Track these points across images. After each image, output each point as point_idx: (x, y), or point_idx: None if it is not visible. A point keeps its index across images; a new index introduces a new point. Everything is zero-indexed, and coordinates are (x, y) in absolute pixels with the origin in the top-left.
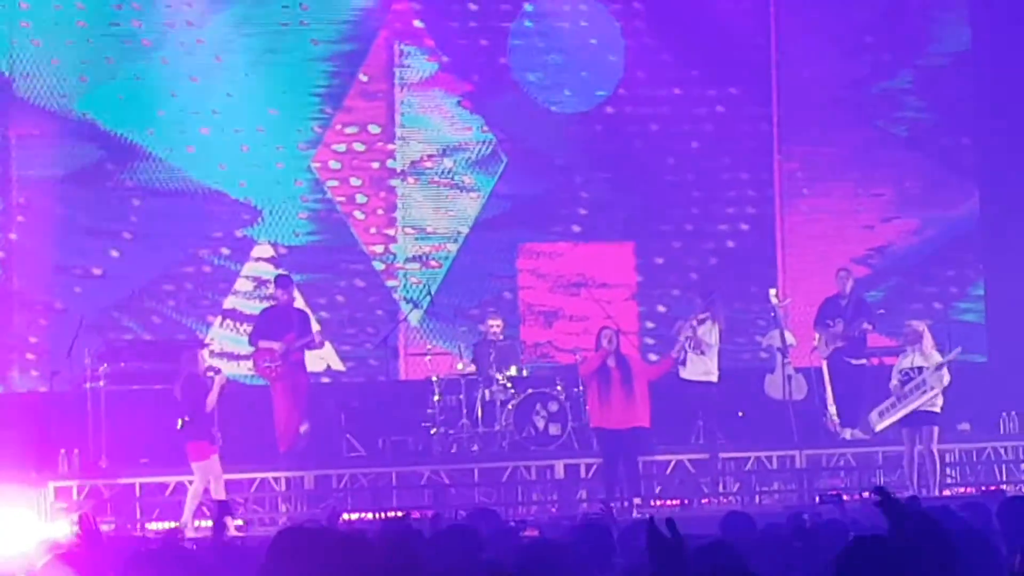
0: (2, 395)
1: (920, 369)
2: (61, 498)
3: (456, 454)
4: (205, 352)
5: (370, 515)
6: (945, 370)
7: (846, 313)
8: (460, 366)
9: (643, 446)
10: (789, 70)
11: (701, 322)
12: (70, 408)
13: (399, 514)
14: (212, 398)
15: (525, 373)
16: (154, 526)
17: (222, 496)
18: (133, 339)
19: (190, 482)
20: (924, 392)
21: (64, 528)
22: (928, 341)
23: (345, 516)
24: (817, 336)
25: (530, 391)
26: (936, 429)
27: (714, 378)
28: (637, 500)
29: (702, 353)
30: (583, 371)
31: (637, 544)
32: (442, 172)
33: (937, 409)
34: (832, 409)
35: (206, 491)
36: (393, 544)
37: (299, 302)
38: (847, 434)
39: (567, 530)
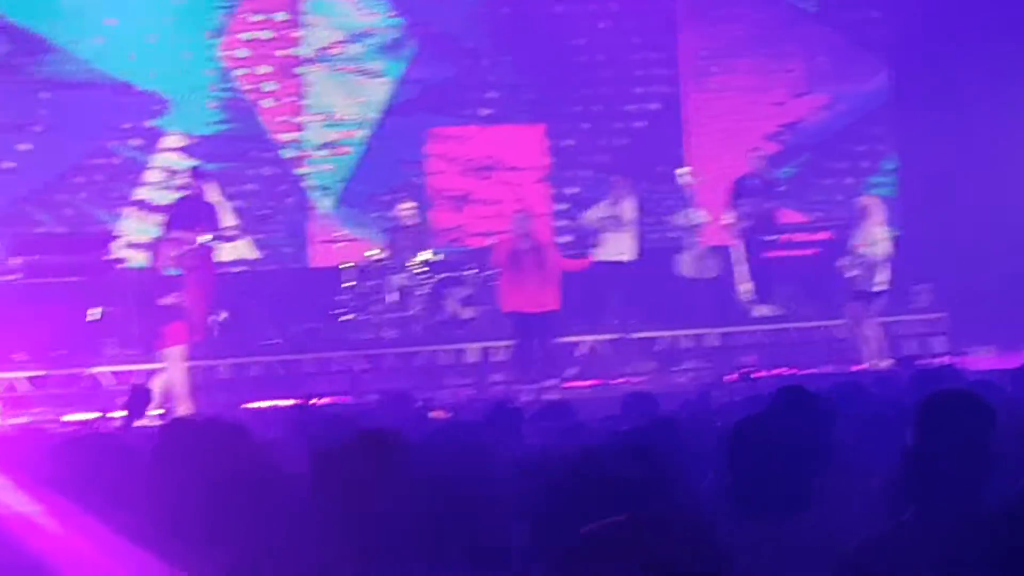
0: None
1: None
2: None
3: (369, 340)
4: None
5: (286, 402)
6: (881, 244)
7: (757, 192)
8: (372, 252)
9: (555, 328)
10: None
11: (622, 198)
12: None
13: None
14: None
15: (437, 258)
16: (70, 417)
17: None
18: (45, 232)
19: (106, 374)
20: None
21: None
22: (876, 216)
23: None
24: (729, 214)
25: (442, 275)
26: (872, 306)
27: (627, 257)
28: (551, 382)
29: (620, 231)
30: (495, 255)
31: (549, 426)
32: (350, 58)
33: (879, 287)
34: (744, 287)
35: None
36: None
37: (212, 194)
38: (760, 311)
39: (478, 412)
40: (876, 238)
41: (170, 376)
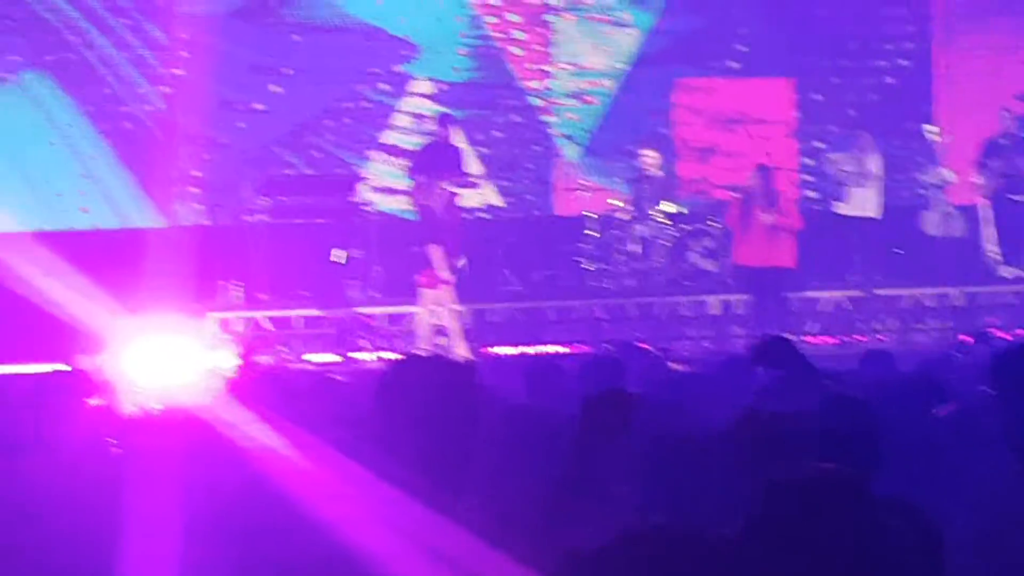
0: (166, 228)
1: None
2: (223, 329)
3: (610, 289)
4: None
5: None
6: None
7: (1007, 152)
8: (615, 201)
9: (788, 283)
10: None
11: (867, 153)
12: (232, 241)
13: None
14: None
15: (681, 209)
16: (313, 358)
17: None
18: (294, 173)
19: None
20: None
21: (227, 359)
22: None
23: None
24: (977, 174)
25: (685, 227)
26: None
27: (873, 213)
28: (789, 338)
29: (865, 186)
30: (731, 208)
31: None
32: (600, 8)
33: None
34: (992, 247)
35: None
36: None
37: (458, 141)
38: (1007, 272)
39: (714, 365)
40: None
41: (418, 318)
